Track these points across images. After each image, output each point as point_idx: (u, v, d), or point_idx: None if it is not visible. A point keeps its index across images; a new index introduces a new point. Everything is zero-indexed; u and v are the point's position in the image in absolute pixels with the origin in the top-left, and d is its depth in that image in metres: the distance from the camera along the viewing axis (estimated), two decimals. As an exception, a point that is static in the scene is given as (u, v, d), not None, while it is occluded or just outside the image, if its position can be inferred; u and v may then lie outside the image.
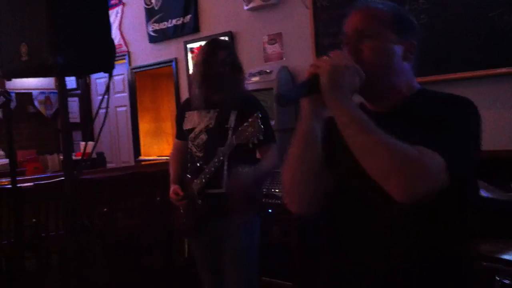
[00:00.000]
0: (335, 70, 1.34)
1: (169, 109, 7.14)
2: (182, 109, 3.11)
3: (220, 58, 2.87)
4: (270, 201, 3.89)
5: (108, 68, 2.29)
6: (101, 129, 2.47)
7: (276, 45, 4.92)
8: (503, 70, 3.40)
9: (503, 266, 2.43)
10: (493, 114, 3.48)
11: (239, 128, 2.59)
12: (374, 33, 1.46)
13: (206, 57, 2.90)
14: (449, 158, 1.26)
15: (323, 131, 1.46)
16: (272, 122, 4.04)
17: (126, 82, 7.07)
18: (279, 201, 3.86)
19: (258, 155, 2.94)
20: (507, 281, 2.36)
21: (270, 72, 4.60)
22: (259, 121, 2.53)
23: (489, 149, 3.28)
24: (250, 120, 2.55)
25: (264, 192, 3.93)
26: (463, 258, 1.47)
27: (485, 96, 3.49)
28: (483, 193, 2.57)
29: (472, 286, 1.50)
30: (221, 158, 2.74)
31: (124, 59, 6.84)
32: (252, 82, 4.61)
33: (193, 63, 5.15)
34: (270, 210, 3.92)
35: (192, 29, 5.78)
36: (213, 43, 3.01)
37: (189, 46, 5.84)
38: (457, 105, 1.41)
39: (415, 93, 1.52)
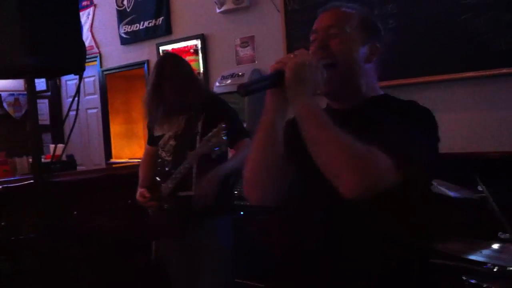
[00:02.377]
0: (300, 67, 1.38)
1: (141, 111, 6.99)
2: None
3: (166, 75, 2.88)
4: (241, 203, 3.89)
5: (78, 70, 2.28)
6: (71, 131, 2.46)
7: (249, 48, 4.94)
8: (471, 74, 3.46)
9: (470, 265, 2.48)
10: (462, 117, 3.54)
11: (204, 138, 2.61)
12: (341, 31, 1.52)
13: (153, 79, 2.92)
14: (398, 158, 1.31)
15: (285, 131, 1.50)
16: (244, 124, 4.06)
17: (97, 84, 7.00)
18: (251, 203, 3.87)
19: (231, 153, 2.97)
20: (473, 281, 2.40)
21: (243, 74, 4.62)
22: (222, 132, 2.55)
23: (459, 151, 3.36)
24: (214, 130, 2.57)
25: (236, 194, 3.94)
26: (420, 256, 1.52)
27: (454, 99, 3.55)
28: (450, 193, 2.61)
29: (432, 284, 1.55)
30: (187, 165, 2.76)
31: (95, 61, 6.77)
32: (225, 85, 4.62)
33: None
34: (242, 212, 3.93)
35: (164, 31, 5.75)
36: (157, 69, 2.98)
37: (161, 48, 5.81)
38: (412, 111, 1.47)
39: (376, 96, 1.58)
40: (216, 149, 2.59)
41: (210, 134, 2.57)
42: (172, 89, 2.87)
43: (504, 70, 3.32)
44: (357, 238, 1.45)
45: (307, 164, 1.40)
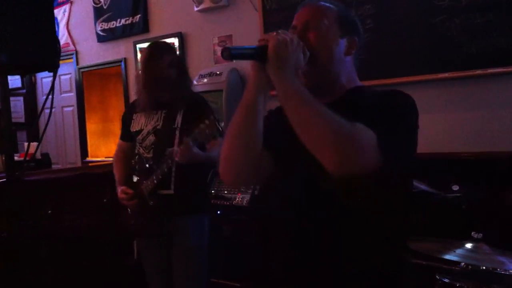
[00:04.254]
0: (282, 44, 1.39)
1: (117, 109, 7.05)
2: (130, 111, 3.11)
3: (165, 61, 2.86)
4: (219, 202, 3.89)
5: (53, 67, 2.24)
6: (44, 129, 2.42)
7: (226, 47, 4.92)
8: (445, 75, 3.51)
9: (443, 265, 2.51)
10: (436, 118, 3.59)
11: (195, 130, 2.59)
12: (320, 25, 1.54)
13: (150, 61, 2.89)
14: (381, 135, 1.31)
15: (264, 122, 1.50)
16: (222, 123, 4.05)
17: (73, 82, 6.94)
18: (228, 202, 3.88)
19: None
20: (447, 280, 2.43)
21: (220, 73, 4.61)
22: (216, 123, 2.56)
23: (432, 151, 3.40)
24: (207, 122, 2.57)
25: (213, 193, 3.93)
26: (398, 252, 1.55)
27: (428, 100, 3.60)
28: (425, 188, 2.63)
29: (406, 280, 1.56)
30: (170, 161, 2.74)
31: (71, 58, 6.70)
32: (202, 84, 4.60)
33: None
34: (218, 212, 3.92)
35: (141, 29, 5.72)
36: (156, 46, 3.00)
37: (138, 46, 5.77)
38: (395, 95, 1.51)
39: (356, 87, 1.60)
40: (210, 138, 2.60)
41: (202, 125, 2.57)
42: (167, 80, 2.86)
43: (478, 72, 3.37)
44: (338, 231, 1.46)
45: (288, 154, 1.39)
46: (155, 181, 2.82)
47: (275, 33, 1.42)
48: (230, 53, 1.40)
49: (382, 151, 1.31)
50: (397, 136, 1.37)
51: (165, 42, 3.26)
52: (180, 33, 5.33)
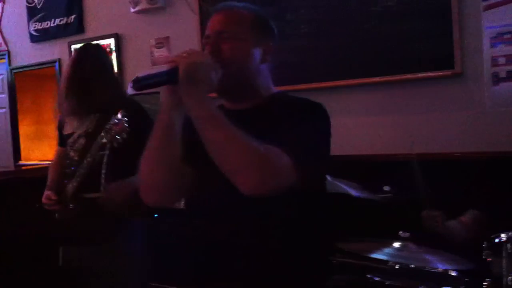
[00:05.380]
0: (192, 65, 1.36)
1: (52, 111, 6.80)
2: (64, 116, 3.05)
3: (88, 66, 2.82)
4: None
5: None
6: (-32, 132, 2.34)
7: (164, 49, 4.89)
8: (377, 79, 3.60)
9: (373, 264, 2.58)
10: (369, 121, 3.67)
11: (106, 126, 2.55)
12: (233, 34, 1.52)
13: (73, 68, 2.85)
14: (296, 158, 1.33)
15: (182, 129, 1.47)
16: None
17: (5, 83, 6.71)
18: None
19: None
20: (377, 279, 2.49)
21: (158, 75, 4.56)
22: (124, 119, 2.52)
23: (366, 154, 3.48)
24: (116, 121, 2.53)
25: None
26: (315, 253, 1.58)
27: (361, 104, 3.68)
28: (354, 192, 2.70)
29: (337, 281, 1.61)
30: (89, 159, 2.69)
31: (3, 58, 6.49)
32: (139, 86, 4.55)
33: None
34: (156, 215, 3.89)
35: (76, 29, 5.60)
36: (81, 51, 2.94)
37: (73, 47, 5.63)
38: (307, 109, 1.51)
39: (272, 95, 1.60)
40: (116, 137, 2.54)
41: (111, 122, 2.52)
42: (96, 83, 2.80)
43: (408, 76, 3.48)
44: (260, 235, 1.48)
45: (207, 161, 1.41)
46: (75, 184, 2.76)
47: (185, 54, 1.39)
48: (140, 85, 1.36)
49: (298, 171, 1.33)
50: (311, 153, 1.39)
51: (92, 44, 3.18)
52: (117, 34, 5.25)
